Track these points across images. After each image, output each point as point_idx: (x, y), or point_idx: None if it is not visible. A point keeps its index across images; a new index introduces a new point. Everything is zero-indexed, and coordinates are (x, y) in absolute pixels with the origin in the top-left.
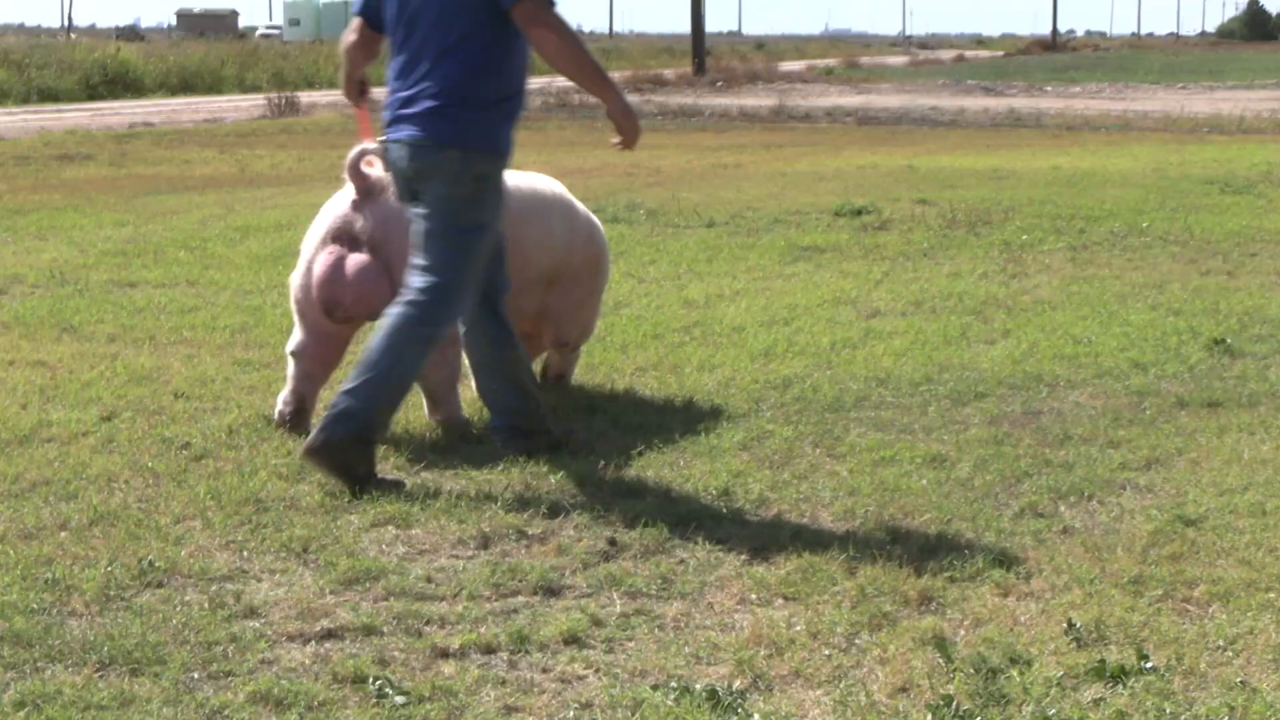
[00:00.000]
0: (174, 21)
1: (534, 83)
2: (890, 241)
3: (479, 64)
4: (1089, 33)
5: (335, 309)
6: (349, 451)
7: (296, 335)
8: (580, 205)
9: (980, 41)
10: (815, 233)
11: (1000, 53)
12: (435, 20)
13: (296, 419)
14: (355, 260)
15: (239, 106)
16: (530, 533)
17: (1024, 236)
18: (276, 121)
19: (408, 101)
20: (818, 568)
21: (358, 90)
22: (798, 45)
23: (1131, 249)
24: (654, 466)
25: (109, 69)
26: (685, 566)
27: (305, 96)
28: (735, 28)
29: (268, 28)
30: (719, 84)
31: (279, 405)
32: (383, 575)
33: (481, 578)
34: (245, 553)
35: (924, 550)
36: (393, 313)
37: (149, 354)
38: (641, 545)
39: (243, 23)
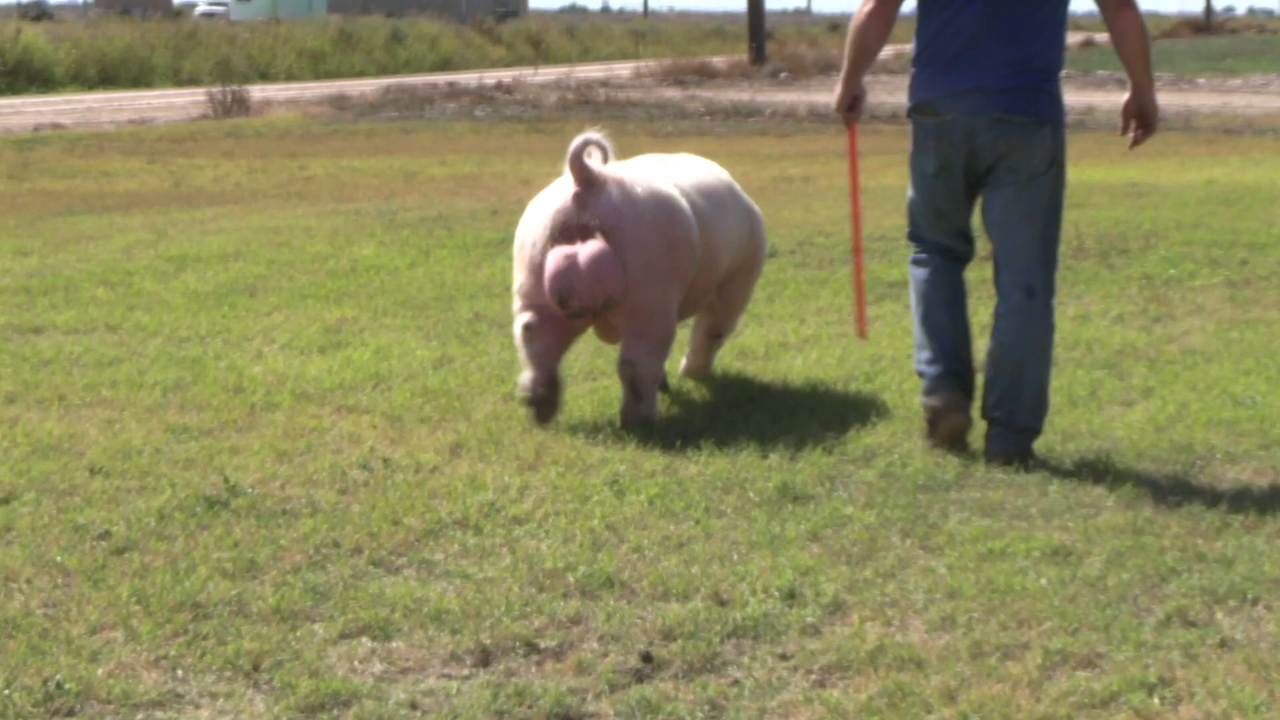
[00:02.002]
0: None
1: (549, 74)
2: None
3: (1060, 39)
4: (1252, 11)
5: (570, 297)
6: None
7: (525, 315)
8: (744, 193)
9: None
10: (905, 265)
11: None
12: None
13: (550, 397)
14: (587, 249)
15: (173, 104)
16: (543, 646)
17: (1170, 269)
18: (220, 123)
19: (999, 73)
20: (909, 691)
21: (852, 101)
22: None
23: None
24: (700, 561)
25: (7, 56)
26: (740, 689)
27: (257, 91)
28: (804, 4)
29: (210, 4)
30: (783, 75)
31: (526, 388)
32: (354, 700)
33: (480, 704)
34: (180, 671)
35: (1044, 669)
36: (1015, 310)
37: (58, 418)
38: (684, 662)
39: None
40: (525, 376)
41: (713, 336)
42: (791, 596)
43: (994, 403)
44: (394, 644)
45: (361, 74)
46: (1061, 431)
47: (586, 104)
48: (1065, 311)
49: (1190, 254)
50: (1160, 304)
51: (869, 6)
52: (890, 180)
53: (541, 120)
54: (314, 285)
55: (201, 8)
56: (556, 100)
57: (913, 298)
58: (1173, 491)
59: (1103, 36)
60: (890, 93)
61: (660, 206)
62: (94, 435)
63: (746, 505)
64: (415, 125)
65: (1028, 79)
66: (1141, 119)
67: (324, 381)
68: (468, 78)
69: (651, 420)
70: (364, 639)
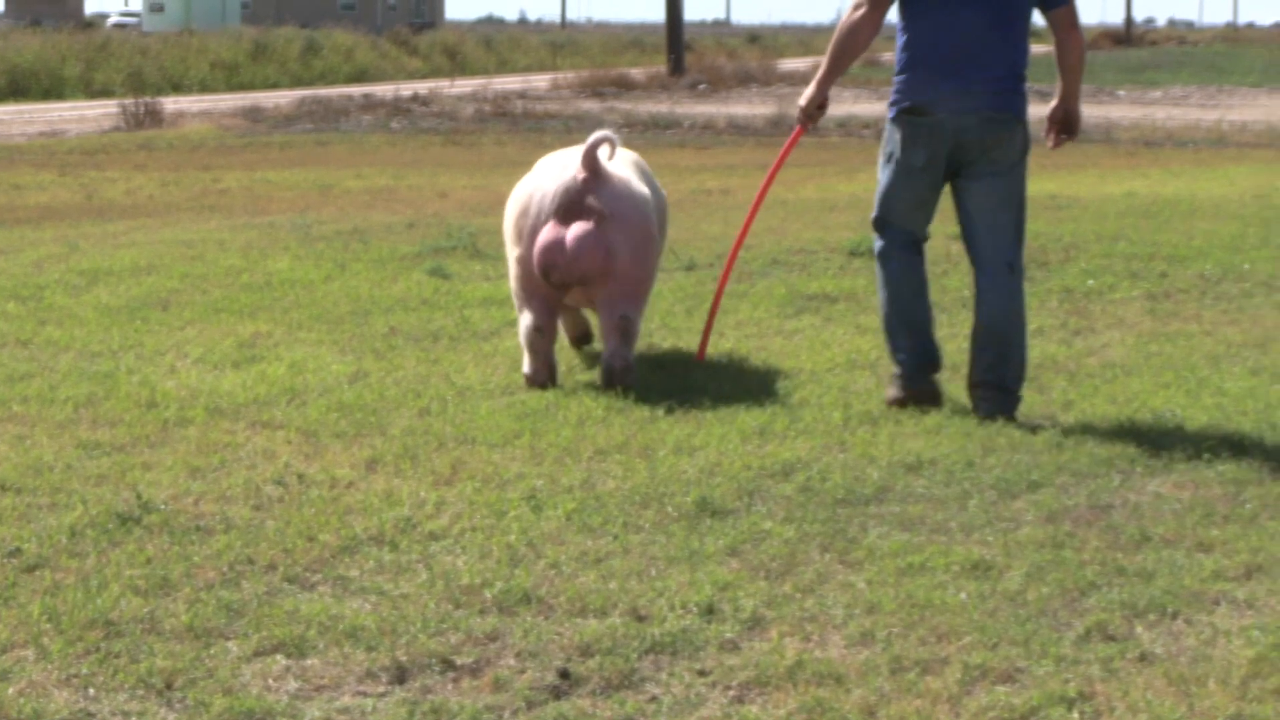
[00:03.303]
0: (1, 6)
1: (466, 86)
2: None
3: (1028, 45)
4: (1173, 22)
5: (552, 272)
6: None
7: (527, 316)
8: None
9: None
10: (825, 277)
11: None
12: (1006, 3)
13: (550, 380)
14: (574, 231)
15: (85, 116)
16: (459, 662)
17: (1090, 282)
18: (133, 135)
19: (985, 79)
20: (828, 707)
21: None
22: (802, 38)
23: (1227, 298)
24: (618, 576)
25: None
26: (658, 706)
27: (170, 103)
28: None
29: (122, 14)
30: (701, 87)
31: (531, 375)
32: (269, 719)
33: None
34: (91, 690)
35: (963, 684)
36: (999, 286)
37: None
38: (602, 678)
39: (90, 8)
40: (529, 369)
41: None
42: (710, 612)
43: (984, 369)
44: (309, 661)
45: (276, 85)
46: (981, 444)
47: (504, 116)
48: None
49: (1110, 267)
50: (1080, 317)
51: (862, 10)
52: (809, 193)
53: (458, 132)
54: (228, 299)
55: (113, 18)
56: (473, 112)
57: (883, 291)
58: (1092, 505)
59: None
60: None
61: (646, 200)
62: (4, 451)
63: (665, 520)
64: (330, 137)
65: (1011, 82)
66: (1066, 124)
67: (238, 396)
68: (383, 89)
69: (631, 362)
70: (278, 656)
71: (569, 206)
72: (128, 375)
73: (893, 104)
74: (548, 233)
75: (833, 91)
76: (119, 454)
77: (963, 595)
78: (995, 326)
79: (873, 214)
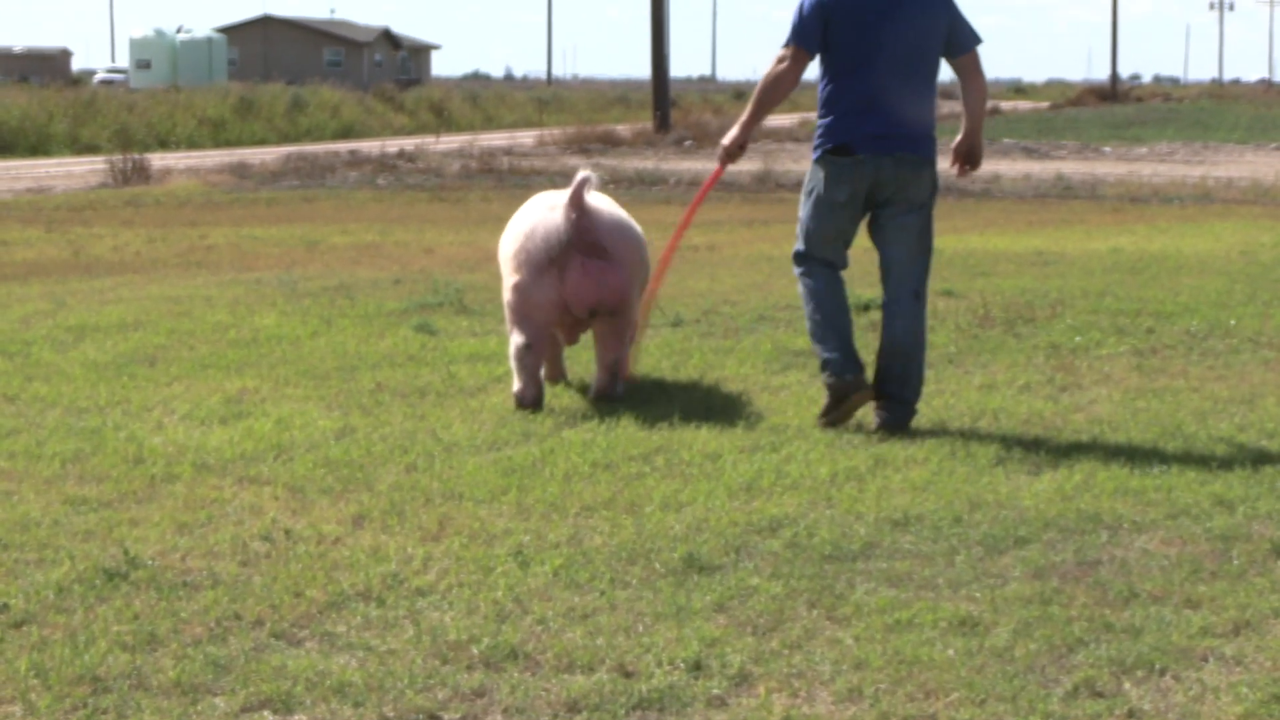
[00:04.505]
0: None
1: (452, 142)
2: None
3: (935, 95)
4: (1158, 79)
5: (599, 308)
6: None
7: (521, 338)
8: None
9: (1020, 90)
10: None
11: (1045, 104)
12: (906, 56)
13: (539, 400)
14: (600, 265)
15: (72, 172)
16: (446, 719)
17: (1077, 338)
18: (120, 191)
19: (899, 123)
20: None
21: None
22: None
23: (1213, 354)
24: (605, 632)
25: None
26: None
27: (157, 159)
28: (708, 71)
29: (109, 71)
30: (687, 143)
31: (520, 395)
32: None
33: None
34: None
35: None
36: (906, 311)
37: None
38: None
39: (77, 65)
40: (518, 386)
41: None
42: (697, 668)
43: (888, 383)
44: (296, 717)
45: (263, 142)
46: (969, 500)
47: (490, 172)
48: (971, 380)
49: (1097, 323)
50: (1067, 373)
51: (785, 64)
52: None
53: (444, 189)
54: (215, 355)
55: (100, 75)
56: (459, 168)
57: (809, 305)
58: (1080, 561)
59: (1008, 104)
60: (796, 160)
61: (637, 234)
62: None
63: (652, 576)
64: (317, 194)
65: (921, 128)
66: (969, 157)
67: (225, 452)
68: (370, 145)
69: (619, 395)
70: (265, 712)
71: (581, 244)
72: (115, 431)
73: (817, 146)
74: (577, 274)
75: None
76: (106, 510)
77: (950, 651)
78: (900, 345)
79: (794, 247)
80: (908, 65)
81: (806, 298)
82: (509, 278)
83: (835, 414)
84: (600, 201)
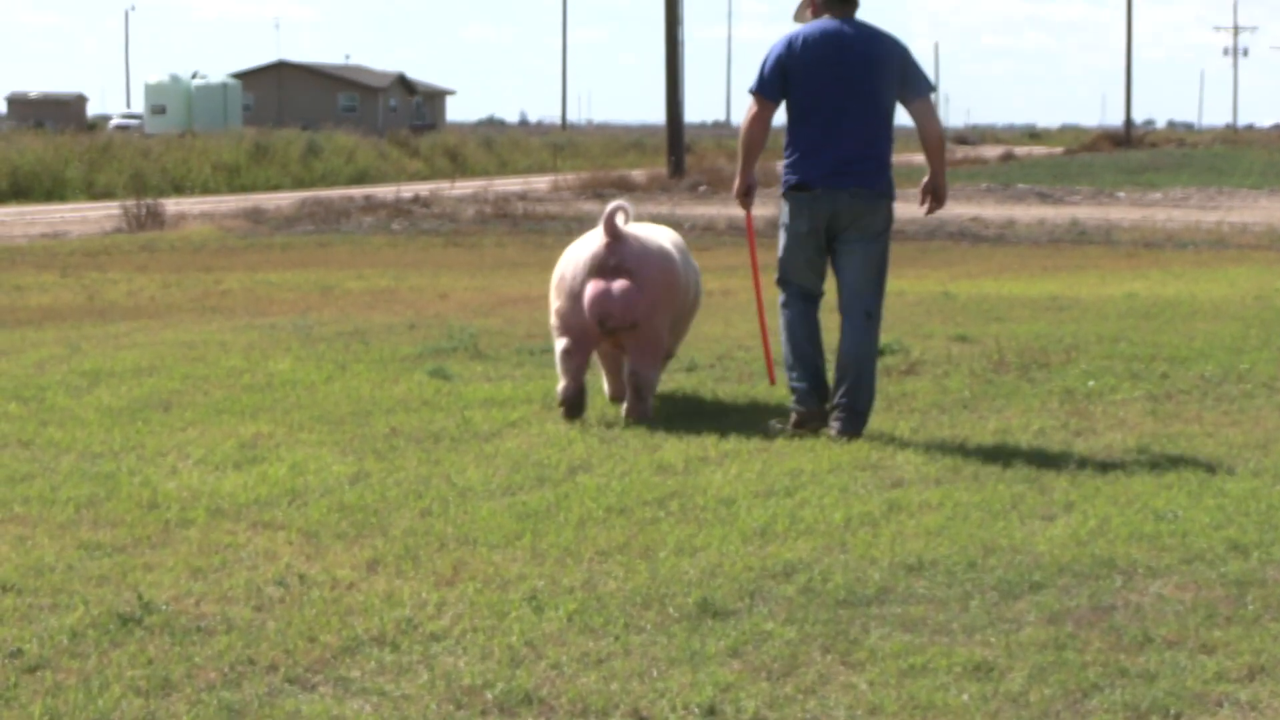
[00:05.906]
0: (3, 109)
1: (467, 187)
2: (920, 389)
3: (890, 135)
4: (1172, 124)
5: (607, 320)
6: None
7: (564, 341)
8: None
9: (1035, 135)
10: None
11: (1060, 149)
12: (859, 101)
13: (580, 399)
14: (620, 284)
15: (87, 217)
16: None
17: (1091, 383)
18: (135, 236)
19: (852, 161)
20: None
21: (747, 189)
22: None
23: (1228, 399)
24: (619, 677)
25: None
26: None
27: (172, 205)
28: (723, 116)
29: (124, 117)
30: (702, 189)
31: (563, 392)
32: None
33: None
34: None
35: None
36: (859, 328)
37: None
38: None
39: (92, 110)
40: (562, 385)
41: (668, 359)
42: (712, 713)
43: (841, 394)
44: None
45: (277, 187)
46: (983, 545)
47: (504, 217)
48: (986, 425)
49: (1111, 368)
50: (1081, 418)
51: (752, 113)
52: None
53: (459, 233)
54: (229, 400)
55: (116, 120)
56: (474, 213)
57: (784, 334)
58: (1094, 606)
59: (1022, 150)
60: None
61: (665, 257)
62: (5, 552)
63: (666, 621)
64: (331, 239)
65: (873, 164)
66: (934, 195)
67: (239, 497)
68: (384, 191)
69: (649, 416)
70: None
71: (601, 266)
72: (129, 476)
73: (783, 183)
74: (592, 288)
75: None
76: (120, 555)
77: (965, 697)
78: (852, 360)
79: (775, 275)
80: (861, 109)
81: (783, 327)
82: (552, 303)
83: (801, 430)
84: (646, 230)
